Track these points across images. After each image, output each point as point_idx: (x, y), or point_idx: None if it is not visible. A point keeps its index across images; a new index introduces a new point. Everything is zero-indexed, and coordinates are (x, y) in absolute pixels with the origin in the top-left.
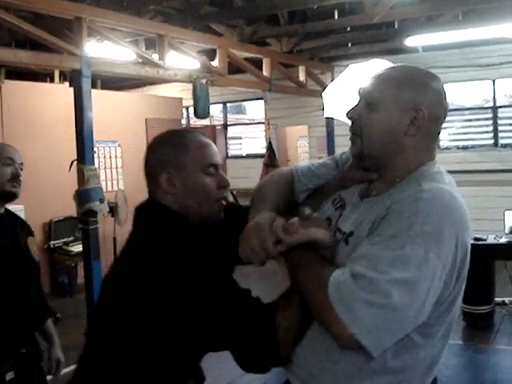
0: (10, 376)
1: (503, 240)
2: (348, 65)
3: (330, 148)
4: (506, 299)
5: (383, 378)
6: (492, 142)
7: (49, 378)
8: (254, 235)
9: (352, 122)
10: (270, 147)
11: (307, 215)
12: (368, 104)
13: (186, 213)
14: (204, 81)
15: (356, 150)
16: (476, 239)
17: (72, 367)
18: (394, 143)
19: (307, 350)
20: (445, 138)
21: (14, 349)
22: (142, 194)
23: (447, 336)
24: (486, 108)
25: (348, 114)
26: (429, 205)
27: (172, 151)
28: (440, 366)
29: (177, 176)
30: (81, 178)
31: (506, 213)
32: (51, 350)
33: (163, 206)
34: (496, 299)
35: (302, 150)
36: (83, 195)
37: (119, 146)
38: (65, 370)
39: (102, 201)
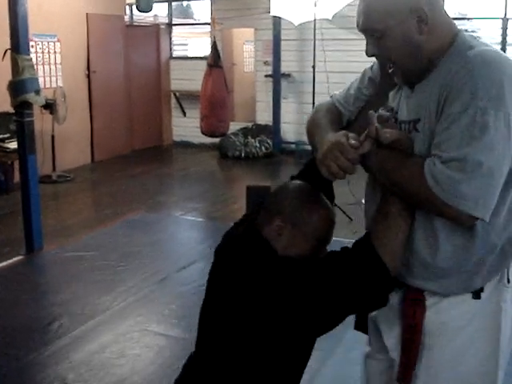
0: None
1: None
2: None
3: (276, 51)
4: None
5: (483, 248)
6: None
7: None
8: (335, 151)
9: (378, 59)
10: (214, 47)
11: (386, 118)
12: (375, 38)
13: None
14: None
15: (400, 78)
16: None
17: (4, 263)
18: (419, 49)
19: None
20: None
21: None
22: (81, 92)
23: None
24: (496, 18)
25: (368, 55)
26: (482, 69)
27: (299, 208)
28: None
29: (288, 230)
30: (15, 68)
31: None
32: None
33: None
34: None
35: (248, 55)
36: (18, 86)
37: (58, 40)
38: None
39: (37, 92)
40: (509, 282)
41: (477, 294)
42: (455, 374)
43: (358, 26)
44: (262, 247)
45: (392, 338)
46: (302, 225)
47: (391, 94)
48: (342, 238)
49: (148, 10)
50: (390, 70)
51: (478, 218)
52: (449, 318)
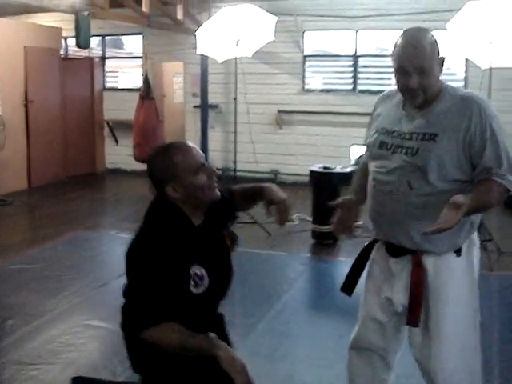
0: None
1: (348, 169)
2: (224, 7)
3: (204, 85)
4: None
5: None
6: (351, 87)
7: None
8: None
9: (411, 89)
10: (146, 80)
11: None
12: (422, 73)
13: (195, 204)
14: (86, 13)
15: (419, 101)
16: (325, 168)
17: None
18: (437, 82)
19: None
20: (309, 81)
21: None
22: (19, 121)
23: None
24: (348, 56)
25: (414, 86)
26: (482, 102)
27: (165, 169)
28: (289, 273)
29: (177, 185)
30: None
31: (352, 147)
32: None
33: (169, 203)
34: None
35: (177, 87)
36: None
37: None
38: None
39: None
40: (475, 243)
41: (458, 252)
42: (449, 314)
43: (404, 65)
44: (164, 205)
45: (399, 293)
46: (179, 174)
47: (385, 115)
48: (261, 250)
49: (87, 46)
50: (411, 95)
51: None
52: (441, 272)
